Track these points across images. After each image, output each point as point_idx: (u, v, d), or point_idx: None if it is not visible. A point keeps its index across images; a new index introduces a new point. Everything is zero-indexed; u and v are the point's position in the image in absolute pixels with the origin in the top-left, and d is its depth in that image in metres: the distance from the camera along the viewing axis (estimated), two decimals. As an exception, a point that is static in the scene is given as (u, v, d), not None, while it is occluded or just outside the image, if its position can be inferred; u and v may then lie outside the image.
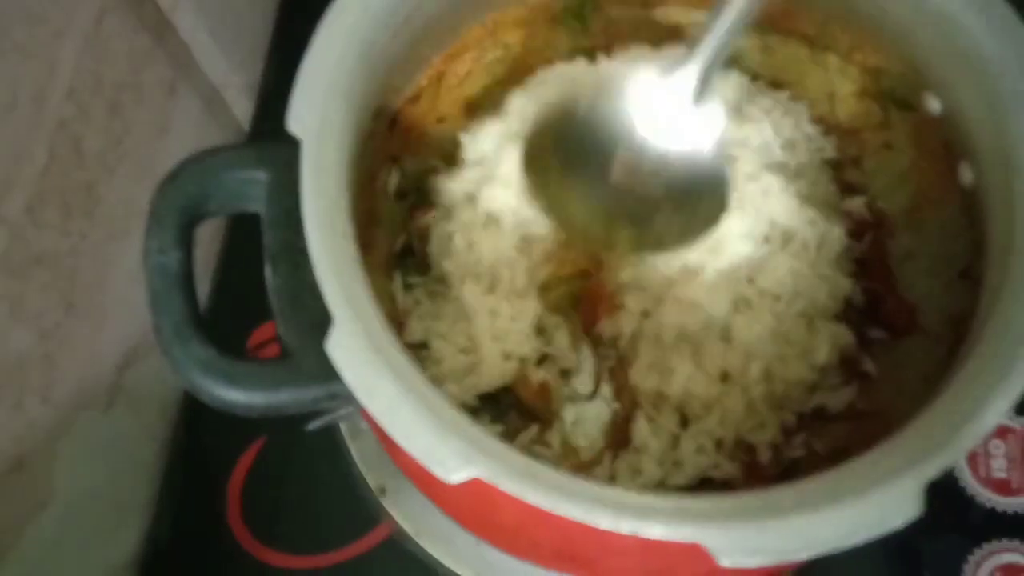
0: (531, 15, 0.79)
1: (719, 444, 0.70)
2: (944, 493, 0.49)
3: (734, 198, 0.69)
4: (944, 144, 0.69)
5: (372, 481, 0.81)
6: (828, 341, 0.71)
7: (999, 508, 0.82)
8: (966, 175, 0.67)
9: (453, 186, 0.74)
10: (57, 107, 0.69)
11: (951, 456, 0.50)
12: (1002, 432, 0.84)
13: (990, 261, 0.62)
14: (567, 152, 0.69)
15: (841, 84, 0.79)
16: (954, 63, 0.66)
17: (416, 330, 0.72)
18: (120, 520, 0.83)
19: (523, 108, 0.75)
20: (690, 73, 0.63)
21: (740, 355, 0.69)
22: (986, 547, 0.80)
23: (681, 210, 0.69)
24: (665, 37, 0.81)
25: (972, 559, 0.80)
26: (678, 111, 0.65)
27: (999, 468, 0.83)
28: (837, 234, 0.73)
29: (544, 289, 0.71)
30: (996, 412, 0.52)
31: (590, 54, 0.80)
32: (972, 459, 0.83)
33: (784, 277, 0.71)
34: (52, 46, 0.68)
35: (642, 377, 0.69)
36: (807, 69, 0.80)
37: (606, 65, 0.77)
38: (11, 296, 0.65)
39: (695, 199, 0.69)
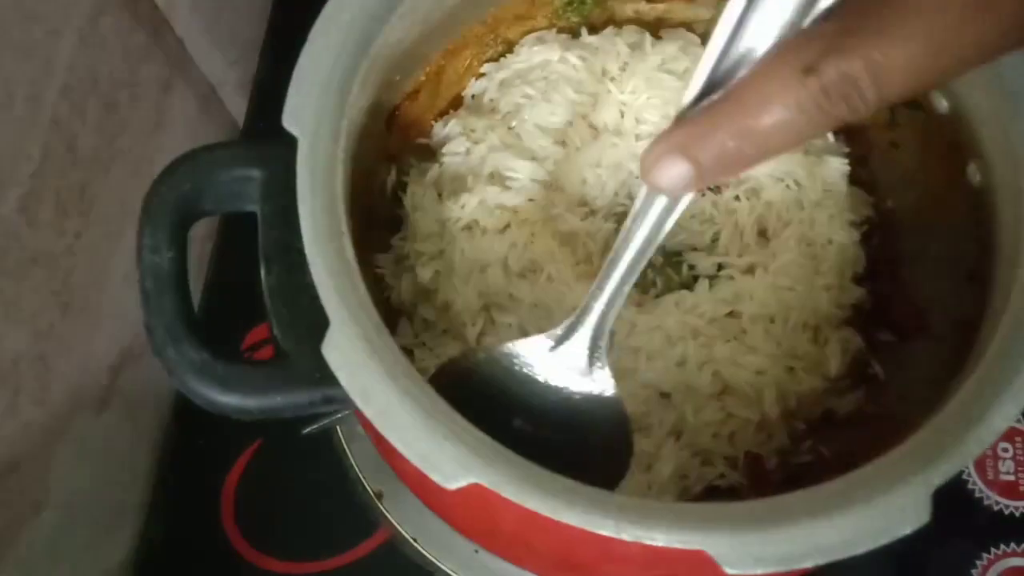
0: (532, 11, 0.79)
1: (726, 457, 0.69)
2: (951, 496, 0.48)
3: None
4: (952, 144, 0.68)
5: (370, 485, 0.80)
6: (838, 348, 0.71)
7: (1007, 511, 0.81)
8: (974, 175, 0.66)
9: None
10: (52, 105, 0.68)
11: (959, 462, 0.50)
12: (1010, 435, 0.84)
13: (998, 263, 0.61)
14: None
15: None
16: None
17: (404, 334, 0.72)
18: (115, 523, 0.83)
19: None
20: (580, 343, 0.60)
21: (744, 399, 0.69)
22: (994, 552, 0.79)
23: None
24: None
25: (980, 564, 0.79)
26: (571, 377, 0.62)
27: (1007, 471, 0.82)
28: (844, 240, 0.73)
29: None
30: (1005, 417, 0.51)
31: (574, 32, 0.80)
32: (980, 461, 0.83)
33: (766, 298, 0.70)
34: (48, 44, 0.68)
35: None
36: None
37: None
38: (5, 296, 0.64)
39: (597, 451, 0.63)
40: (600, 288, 0.57)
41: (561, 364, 0.61)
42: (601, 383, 0.61)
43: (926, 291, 0.72)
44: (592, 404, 0.61)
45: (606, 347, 0.61)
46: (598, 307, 0.58)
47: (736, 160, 0.45)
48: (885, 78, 0.39)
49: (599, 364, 0.61)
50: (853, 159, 0.77)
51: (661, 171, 0.46)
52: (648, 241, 0.53)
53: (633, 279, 0.56)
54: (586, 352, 0.60)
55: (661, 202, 0.51)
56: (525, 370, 0.62)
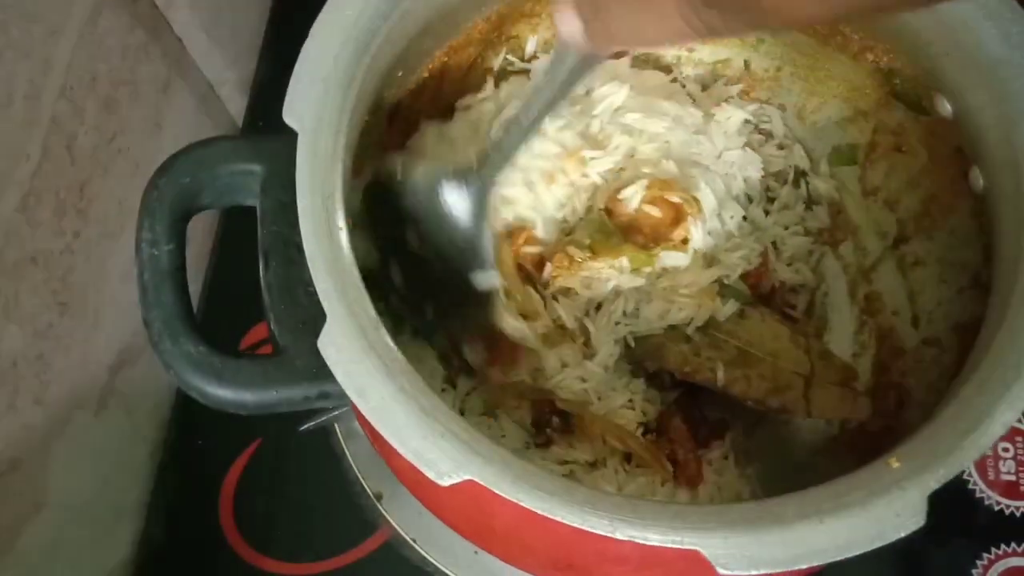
0: (537, 8, 0.79)
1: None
2: (952, 496, 0.48)
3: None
4: (956, 148, 0.68)
5: (369, 485, 0.80)
6: None
7: (1007, 510, 0.81)
8: (977, 180, 0.66)
9: None
10: (51, 105, 0.68)
11: (955, 467, 0.50)
12: (1011, 434, 0.84)
13: (999, 269, 0.61)
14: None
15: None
16: (964, 66, 0.65)
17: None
18: (114, 523, 0.83)
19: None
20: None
21: None
22: (995, 552, 0.79)
23: None
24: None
25: (980, 563, 0.79)
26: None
27: (1008, 471, 0.82)
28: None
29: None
30: (1002, 423, 0.51)
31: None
32: (980, 462, 0.83)
33: None
34: (47, 44, 0.68)
35: None
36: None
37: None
38: (5, 295, 0.64)
39: None
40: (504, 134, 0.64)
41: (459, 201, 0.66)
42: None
43: (927, 296, 0.72)
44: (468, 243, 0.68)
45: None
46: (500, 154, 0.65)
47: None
48: None
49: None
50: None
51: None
52: (556, 96, 0.57)
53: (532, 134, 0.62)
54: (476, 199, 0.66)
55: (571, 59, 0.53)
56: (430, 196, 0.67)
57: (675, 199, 0.73)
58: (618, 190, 0.74)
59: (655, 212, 0.74)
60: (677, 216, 0.74)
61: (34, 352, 0.68)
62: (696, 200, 0.74)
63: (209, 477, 0.85)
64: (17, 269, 0.66)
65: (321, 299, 0.51)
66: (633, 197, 0.73)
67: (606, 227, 0.74)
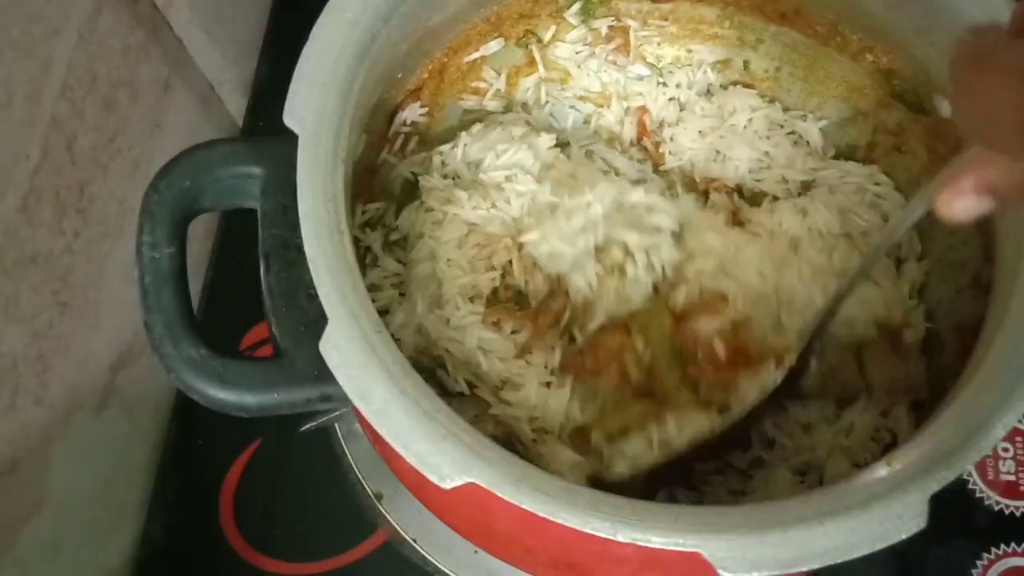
0: (535, 9, 0.79)
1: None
2: (951, 495, 0.49)
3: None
4: (955, 147, 0.68)
5: (369, 486, 0.80)
6: None
7: (1007, 510, 0.81)
8: (978, 180, 0.66)
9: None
10: (51, 105, 0.68)
11: (957, 469, 0.50)
12: (1011, 434, 0.84)
13: (1000, 269, 0.61)
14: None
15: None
16: (964, 66, 0.64)
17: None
18: (114, 522, 0.83)
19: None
20: None
21: None
22: (994, 552, 0.79)
23: None
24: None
25: (980, 563, 0.79)
26: None
27: (1007, 471, 0.82)
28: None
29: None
30: (1004, 425, 0.51)
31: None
32: (980, 461, 0.82)
33: None
34: (47, 44, 0.67)
35: None
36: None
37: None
38: (5, 295, 0.64)
39: None
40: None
41: None
42: None
43: (928, 295, 0.72)
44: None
45: None
46: None
47: None
48: None
49: None
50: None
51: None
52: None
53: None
54: None
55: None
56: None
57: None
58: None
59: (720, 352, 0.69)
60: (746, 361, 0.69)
61: (34, 352, 0.68)
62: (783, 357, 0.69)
63: (209, 477, 0.84)
64: (17, 269, 0.66)
65: (322, 302, 0.51)
66: (708, 330, 0.70)
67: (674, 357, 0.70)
